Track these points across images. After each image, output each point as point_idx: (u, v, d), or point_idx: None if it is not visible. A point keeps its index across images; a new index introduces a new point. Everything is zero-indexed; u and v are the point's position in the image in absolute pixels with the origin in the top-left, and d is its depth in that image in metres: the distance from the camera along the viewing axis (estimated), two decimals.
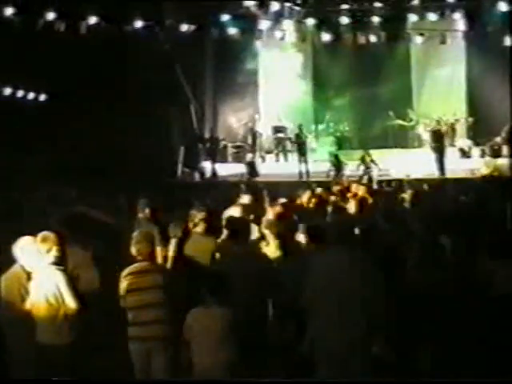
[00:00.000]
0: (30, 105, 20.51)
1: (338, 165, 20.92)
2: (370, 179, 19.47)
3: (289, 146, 24.17)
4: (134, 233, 7.06)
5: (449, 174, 20.38)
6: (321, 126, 24.73)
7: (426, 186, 15.06)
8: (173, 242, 7.72)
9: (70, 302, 6.41)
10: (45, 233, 6.70)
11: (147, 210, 9.26)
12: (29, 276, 6.57)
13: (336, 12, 23.66)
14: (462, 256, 7.71)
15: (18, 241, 6.66)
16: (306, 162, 21.84)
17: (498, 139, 22.51)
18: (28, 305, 6.49)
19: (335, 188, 13.56)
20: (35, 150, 18.11)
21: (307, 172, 21.57)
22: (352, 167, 21.05)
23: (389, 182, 17.53)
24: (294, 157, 23.01)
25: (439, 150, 21.24)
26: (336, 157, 21.44)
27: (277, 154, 24.31)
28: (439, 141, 21.57)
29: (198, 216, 8.51)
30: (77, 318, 6.46)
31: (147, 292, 6.59)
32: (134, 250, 6.80)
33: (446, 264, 7.10)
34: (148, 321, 6.54)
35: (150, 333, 6.52)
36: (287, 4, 23.63)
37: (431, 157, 21.34)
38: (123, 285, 6.65)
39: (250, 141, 24.32)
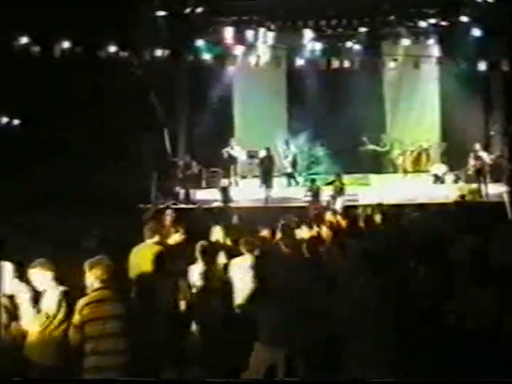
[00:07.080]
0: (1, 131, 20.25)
1: (314, 190, 20.59)
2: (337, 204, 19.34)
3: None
4: (88, 260, 6.77)
5: (423, 200, 20.36)
6: (295, 151, 24.57)
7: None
8: None
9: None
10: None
11: None
12: None
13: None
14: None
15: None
16: (271, 186, 21.80)
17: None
18: None
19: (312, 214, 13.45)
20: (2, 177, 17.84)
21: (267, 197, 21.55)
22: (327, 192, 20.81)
23: (356, 207, 17.44)
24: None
25: None
26: (313, 181, 21.18)
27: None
28: None
29: None
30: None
31: (108, 321, 6.44)
32: (92, 277, 6.60)
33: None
34: (108, 350, 6.39)
35: (109, 363, 6.35)
36: (262, 29, 23.65)
37: (405, 182, 21.40)
38: (82, 314, 6.44)
39: (225, 166, 24.12)
